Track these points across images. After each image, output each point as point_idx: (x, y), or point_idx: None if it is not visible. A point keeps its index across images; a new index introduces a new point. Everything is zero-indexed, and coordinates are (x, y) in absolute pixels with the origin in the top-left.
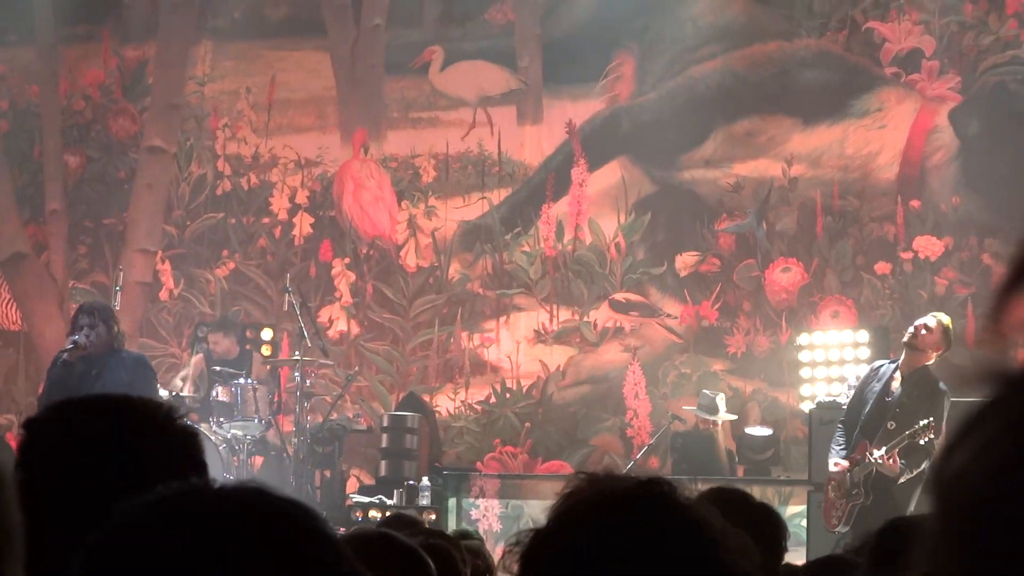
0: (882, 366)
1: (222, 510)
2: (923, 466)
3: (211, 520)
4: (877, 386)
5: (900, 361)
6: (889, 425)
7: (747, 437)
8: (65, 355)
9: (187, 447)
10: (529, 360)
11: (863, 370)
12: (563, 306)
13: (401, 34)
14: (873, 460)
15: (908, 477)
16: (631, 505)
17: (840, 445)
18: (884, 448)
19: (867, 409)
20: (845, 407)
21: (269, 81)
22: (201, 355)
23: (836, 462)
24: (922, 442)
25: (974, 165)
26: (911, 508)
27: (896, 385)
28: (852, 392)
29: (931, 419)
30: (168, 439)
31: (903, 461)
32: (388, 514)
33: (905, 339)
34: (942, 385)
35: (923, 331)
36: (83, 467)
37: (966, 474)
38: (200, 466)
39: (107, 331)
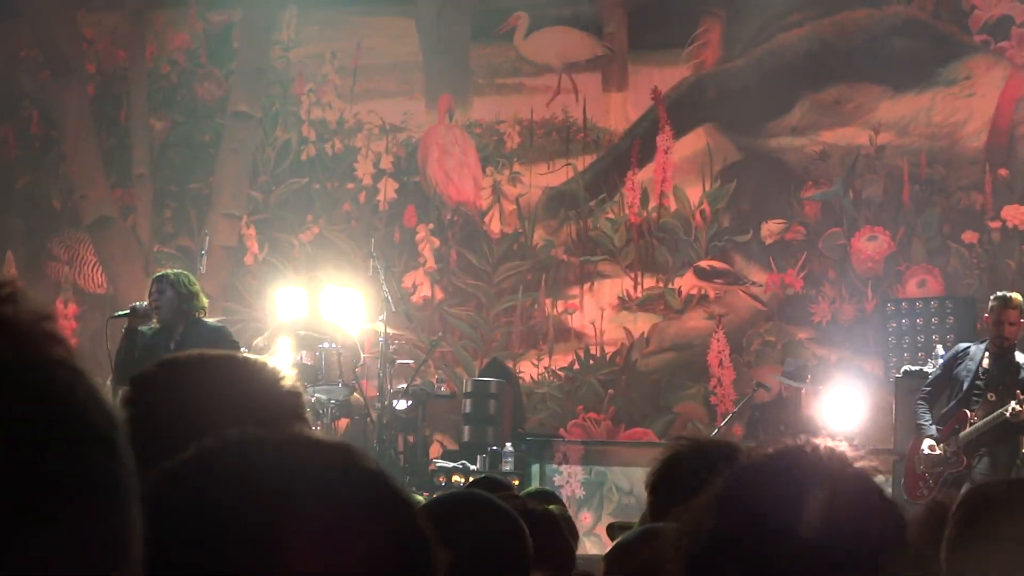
0: (970, 347)
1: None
2: None
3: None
4: (971, 364)
5: (988, 342)
6: (990, 396)
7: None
8: (127, 322)
9: (292, 406)
10: (613, 327)
11: (950, 341)
12: (647, 273)
13: (486, 0)
14: (1012, 410)
15: None
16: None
17: (927, 421)
18: (1013, 402)
19: (965, 385)
20: (927, 383)
21: (355, 46)
22: (284, 321)
23: (931, 444)
24: None
25: None
26: (1013, 465)
27: (987, 363)
28: (937, 369)
29: None
30: (274, 397)
31: None
32: (474, 479)
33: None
34: None
35: (1009, 326)
36: (186, 424)
37: None
38: (303, 423)
39: (177, 298)
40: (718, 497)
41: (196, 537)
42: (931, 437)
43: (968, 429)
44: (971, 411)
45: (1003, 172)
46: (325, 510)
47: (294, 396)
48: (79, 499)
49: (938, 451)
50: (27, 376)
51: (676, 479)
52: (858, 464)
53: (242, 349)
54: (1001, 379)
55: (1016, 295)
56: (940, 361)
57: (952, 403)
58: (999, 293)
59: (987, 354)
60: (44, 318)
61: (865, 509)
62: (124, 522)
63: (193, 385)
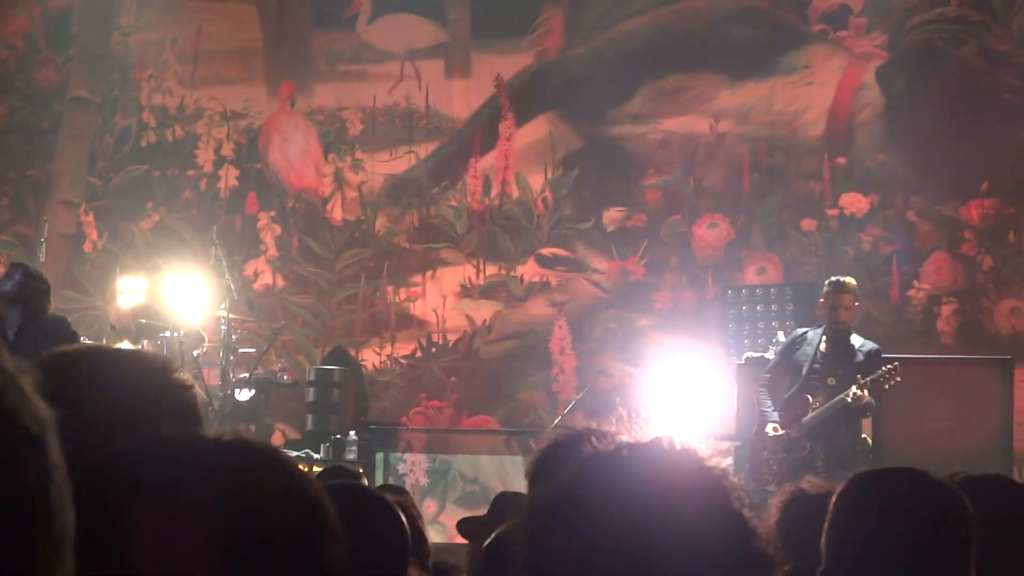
0: (807, 332)
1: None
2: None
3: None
4: (809, 349)
5: (824, 326)
6: (829, 381)
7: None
8: None
9: (183, 398)
10: (455, 314)
11: (790, 328)
12: (490, 261)
13: None
14: (852, 396)
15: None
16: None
17: (769, 407)
18: (854, 387)
19: (804, 371)
20: (766, 370)
21: (195, 32)
22: (128, 308)
23: (774, 426)
24: (888, 386)
25: (900, 123)
26: (855, 450)
27: (825, 347)
28: (776, 355)
29: (877, 350)
30: (163, 391)
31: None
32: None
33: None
34: (872, 344)
35: (844, 310)
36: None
37: None
38: (196, 419)
39: (25, 288)
40: (557, 490)
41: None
42: (774, 422)
43: (810, 415)
44: (812, 396)
45: (841, 160)
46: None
47: (185, 390)
48: (15, 502)
49: (781, 435)
50: None
51: (554, 469)
52: (711, 462)
53: (81, 339)
54: (839, 363)
55: (850, 279)
56: (775, 345)
57: (793, 388)
58: (833, 278)
59: (824, 338)
60: None
61: (710, 511)
62: (59, 523)
63: (85, 380)
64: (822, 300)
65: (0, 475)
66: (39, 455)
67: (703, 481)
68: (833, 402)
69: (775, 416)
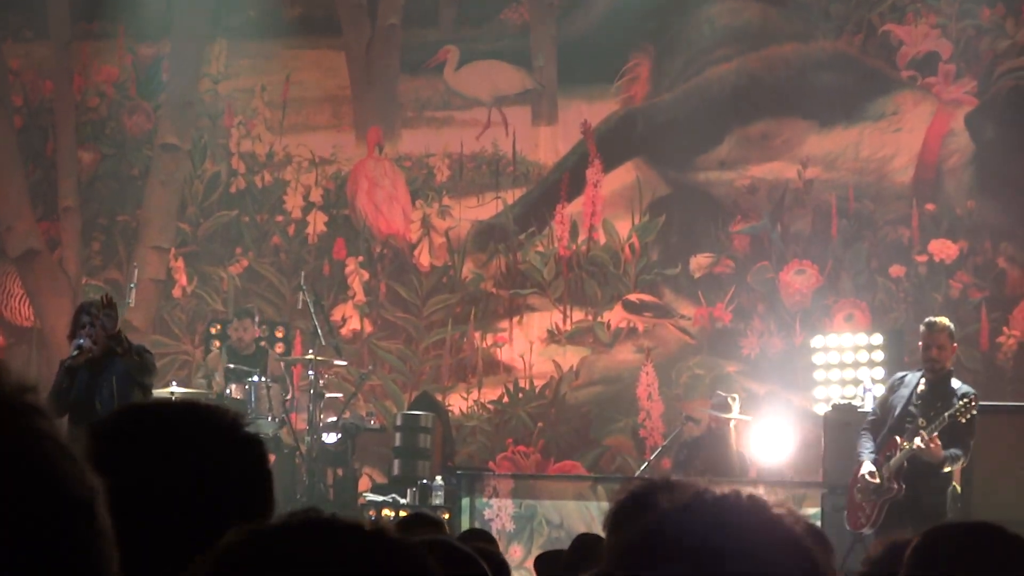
0: (907, 375)
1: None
2: (967, 447)
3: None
4: (905, 392)
5: (923, 369)
6: (920, 423)
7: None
8: (69, 360)
9: (253, 455)
10: (542, 360)
11: (877, 373)
12: (576, 306)
13: (416, 33)
14: (916, 447)
15: (953, 458)
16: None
17: (868, 449)
18: (917, 439)
19: (897, 411)
20: (870, 413)
21: (284, 79)
22: (216, 352)
23: (871, 471)
24: (964, 420)
25: (989, 169)
26: (947, 500)
27: (923, 389)
28: (877, 400)
29: (972, 395)
30: (234, 447)
31: (948, 451)
32: (407, 513)
33: (924, 361)
34: (968, 388)
35: (938, 350)
36: (147, 476)
37: None
38: (266, 474)
39: (112, 325)
40: (626, 548)
41: None
42: (870, 465)
43: (897, 456)
44: (900, 438)
45: (930, 207)
46: None
47: (255, 445)
48: (57, 567)
49: (876, 479)
50: (9, 449)
51: (632, 520)
52: (778, 510)
53: (171, 383)
54: (933, 404)
55: (942, 319)
56: (869, 394)
57: (884, 431)
58: (927, 319)
59: (923, 380)
60: (27, 390)
61: (777, 559)
62: None
63: (152, 437)
64: (920, 342)
65: (44, 539)
66: (86, 521)
67: (780, 531)
68: (905, 451)
69: (871, 459)
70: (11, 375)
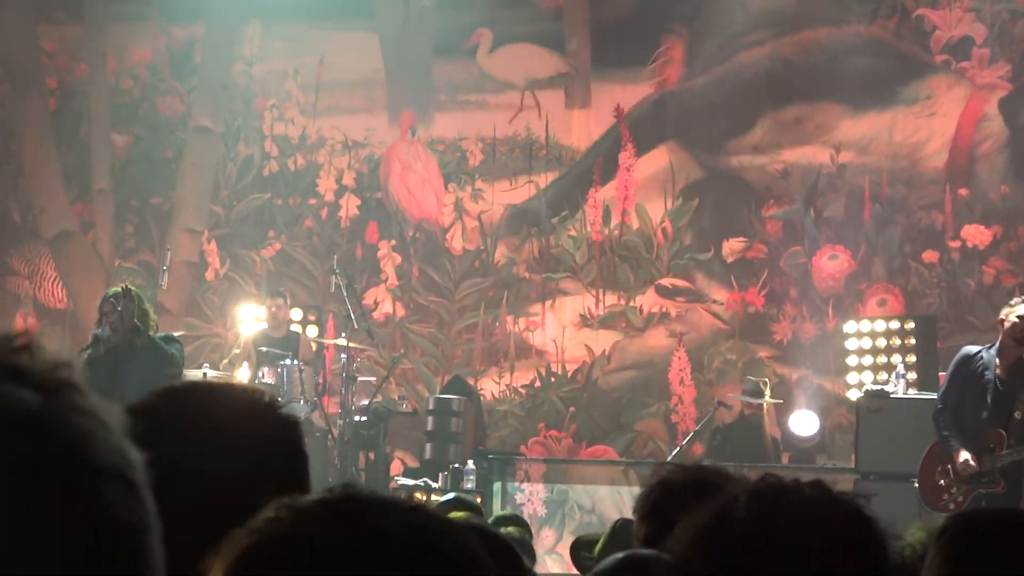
0: (979, 352)
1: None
2: None
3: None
4: (988, 375)
5: (996, 347)
6: (1016, 415)
7: (790, 431)
8: (89, 351)
9: (288, 436)
10: (574, 344)
11: (910, 359)
12: (609, 291)
13: (450, 16)
14: None
15: None
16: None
17: (952, 433)
18: None
19: (988, 398)
20: (942, 398)
21: (317, 62)
22: (248, 336)
23: (967, 459)
24: None
25: (1023, 154)
26: None
27: (1001, 373)
28: (947, 381)
29: None
30: (271, 427)
31: None
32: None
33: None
34: None
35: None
36: (185, 454)
37: None
38: (301, 456)
39: (131, 315)
40: (709, 534)
41: None
42: (966, 453)
43: (1005, 452)
44: (1007, 432)
45: (963, 192)
46: None
47: (291, 426)
48: (101, 545)
49: (977, 466)
50: (46, 425)
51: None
52: (841, 495)
53: (204, 365)
54: (1019, 389)
55: None
56: (901, 379)
57: (984, 415)
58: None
59: (998, 362)
60: (61, 366)
61: (860, 541)
62: (145, 562)
63: (187, 418)
64: (1001, 318)
65: (78, 507)
66: (128, 494)
67: (848, 512)
68: (1021, 449)
69: (960, 445)
70: (44, 351)
